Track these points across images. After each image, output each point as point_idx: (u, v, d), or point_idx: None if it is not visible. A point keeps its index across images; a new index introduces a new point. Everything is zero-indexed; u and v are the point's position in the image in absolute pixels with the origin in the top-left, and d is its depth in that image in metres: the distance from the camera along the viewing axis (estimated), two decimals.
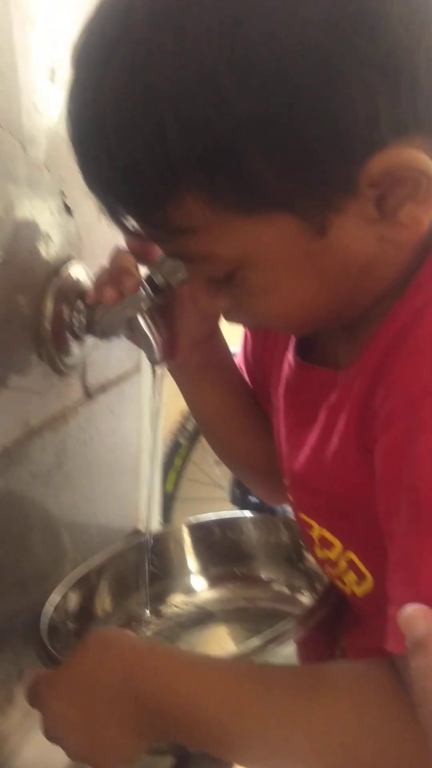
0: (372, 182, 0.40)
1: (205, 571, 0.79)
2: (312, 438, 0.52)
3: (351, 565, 0.51)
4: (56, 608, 0.68)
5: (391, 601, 0.40)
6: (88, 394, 0.74)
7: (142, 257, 0.60)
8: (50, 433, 0.67)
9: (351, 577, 0.52)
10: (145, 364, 0.90)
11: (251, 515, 0.80)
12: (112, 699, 0.49)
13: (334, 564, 0.54)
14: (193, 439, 1.83)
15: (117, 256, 0.60)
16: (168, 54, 0.37)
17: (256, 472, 0.73)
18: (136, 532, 0.90)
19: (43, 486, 0.67)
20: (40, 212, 0.59)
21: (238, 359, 0.71)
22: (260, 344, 0.66)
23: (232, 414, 0.69)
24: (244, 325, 0.57)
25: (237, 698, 0.45)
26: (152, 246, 0.60)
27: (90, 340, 0.69)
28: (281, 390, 0.59)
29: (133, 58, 0.38)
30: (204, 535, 0.79)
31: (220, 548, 0.79)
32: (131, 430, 0.87)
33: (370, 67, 0.37)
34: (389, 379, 0.44)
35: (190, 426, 1.80)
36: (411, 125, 0.39)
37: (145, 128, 0.38)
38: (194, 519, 0.80)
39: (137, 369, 0.88)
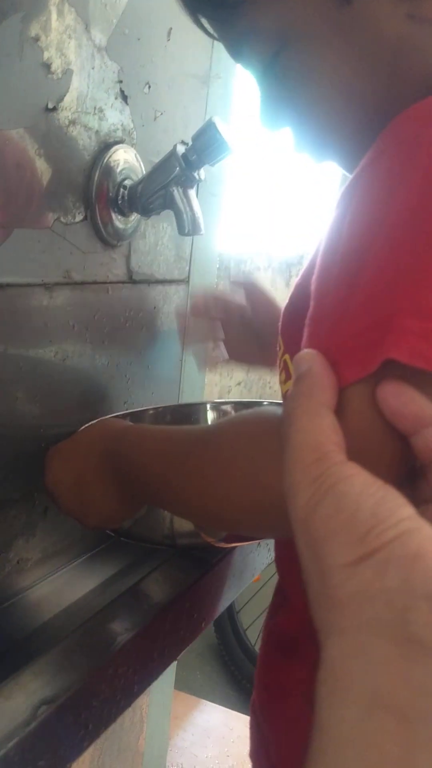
0: None
1: None
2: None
3: (284, 366, 0.56)
4: None
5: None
6: (132, 278, 0.84)
7: None
8: (91, 294, 0.77)
9: (282, 377, 0.57)
10: (194, 276, 0.99)
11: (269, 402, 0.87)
12: (98, 465, 0.60)
13: (279, 367, 0.58)
14: None
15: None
16: None
17: None
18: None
19: (80, 338, 0.77)
20: (98, 90, 0.70)
21: None
22: None
23: None
24: (309, 152, 0.55)
25: (167, 453, 0.53)
26: None
27: (133, 222, 0.79)
28: None
29: None
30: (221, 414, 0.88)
31: None
32: (173, 332, 0.96)
33: None
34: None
35: None
36: None
37: None
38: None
39: (186, 281, 0.98)
